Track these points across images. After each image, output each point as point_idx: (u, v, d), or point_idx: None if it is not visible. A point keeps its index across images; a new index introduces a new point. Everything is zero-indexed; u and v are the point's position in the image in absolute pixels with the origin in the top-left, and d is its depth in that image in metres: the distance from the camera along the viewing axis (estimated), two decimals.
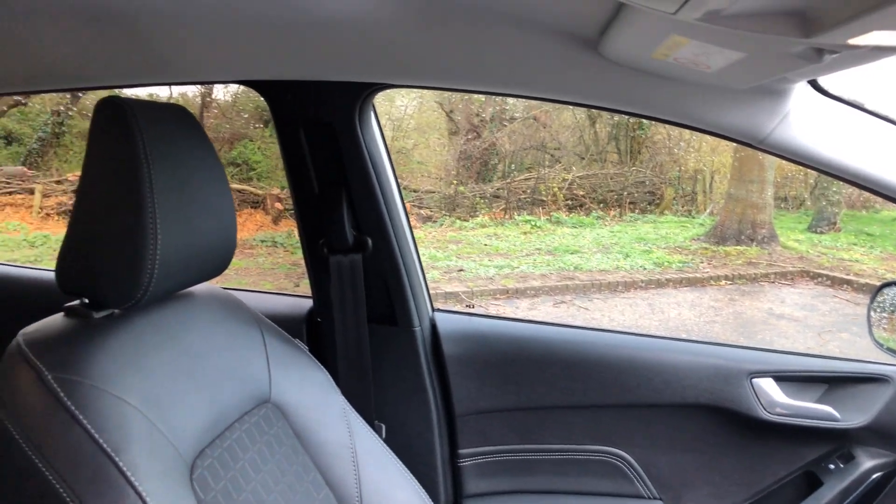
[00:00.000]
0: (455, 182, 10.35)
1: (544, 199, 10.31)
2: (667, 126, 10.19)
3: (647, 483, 1.40)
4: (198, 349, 0.97)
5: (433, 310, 1.46)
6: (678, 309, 6.33)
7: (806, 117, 1.12)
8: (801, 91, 1.10)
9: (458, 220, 9.65)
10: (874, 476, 1.27)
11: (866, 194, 8.57)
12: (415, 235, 1.40)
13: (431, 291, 1.46)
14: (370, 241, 1.35)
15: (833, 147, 1.13)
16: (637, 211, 10.51)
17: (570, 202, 10.40)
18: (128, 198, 0.82)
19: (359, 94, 1.25)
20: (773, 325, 5.81)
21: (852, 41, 0.59)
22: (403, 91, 9.62)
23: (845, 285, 7.00)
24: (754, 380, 1.33)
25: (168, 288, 0.92)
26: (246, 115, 9.75)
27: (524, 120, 11.09)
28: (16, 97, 8.60)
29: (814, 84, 1.10)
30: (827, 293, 6.89)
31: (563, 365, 1.40)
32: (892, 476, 1.28)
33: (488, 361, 1.42)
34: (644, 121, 10.27)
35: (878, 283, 1.51)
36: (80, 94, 9.01)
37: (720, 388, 1.34)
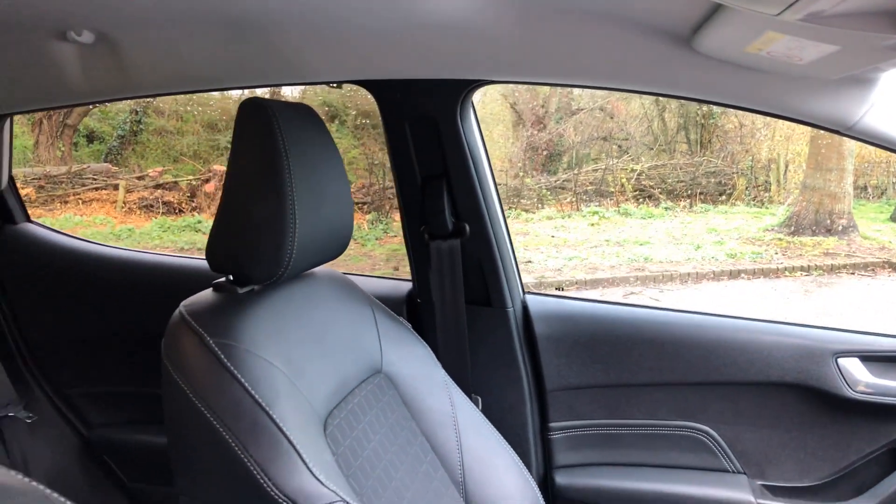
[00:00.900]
0: (521, 174, 10.39)
1: (612, 190, 10.25)
2: (738, 114, 10.00)
3: (731, 458, 1.46)
4: (323, 323, 1.09)
5: (524, 292, 1.56)
6: (754, 300, 6.24)
7: (895, 105, 1.16)
8: (890, 79, 1.14)
9: (523, 213, 9.70)
10: None
11: None
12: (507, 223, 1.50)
13: None
14: (468, 228, 1.45)
15: None
16: (708, 202, 10.32)
17: (638, 193, 10.30)
18: (271, 187, 0.94)
19: (461, 90, 1.35)
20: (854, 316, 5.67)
21: None
22: None
23: None
24: (839, 359, 1.37)
25: (302, 267, 1.04)
26: None
27: (591, 111, 11.02)
28: None
29: None
30: None
31: (650, 344, 1.47)
32: None
33: (577, 340, 1.50)
34: (715, 109, 10.08)
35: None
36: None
37: (805, 367, 1.38)
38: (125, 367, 1.77)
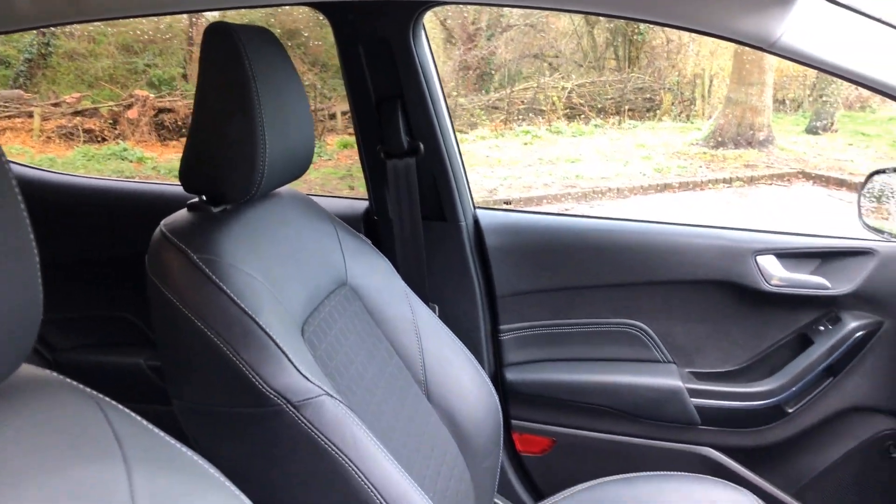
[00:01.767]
0: (454, 93, 10.34)
1: (543, 108, 10.33)
2: (665, 30, 10.13)
3: (662, 349, 1.62)
4: (292, 239, 1.16)
5: (475, 207, 1.65)
6: (679, 212, 6.54)
7: (813, 23, 1.27)
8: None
9: (458, 133, 9.73)
10: (857, 335, 1.49)
11: (865, 94, 8.64)
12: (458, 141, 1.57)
13: None
14: (422, 147, 1.52)
15: (839, 51, 1.28)
16: (636, 118, 10.54)
17: (569, 111, 10.42)
18: (241, 110, 0.99)
19: (413, 12, 1.39)
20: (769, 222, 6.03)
21: None
22: None
23: (840, 186, 7.17)
24: (758, 257, 1.53)
25: (273, 185, 1.10)
26: None
27: (521, 28, 10.95)
28: None
29: None
30: (821, 193, 7.09)
31: (590, 250, 1.60)
32: (873, 335, 1.50)
33: (524, 250, 1.62)
34: (642, 25, 10.18)
35: (868, 172, 1.70)
36: None
37: (728, 265, 1.54)
38: (92, 292, 1.80)
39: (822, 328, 1.54)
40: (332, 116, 9.01)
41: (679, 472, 1.37)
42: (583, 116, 10.35)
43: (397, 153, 1.52)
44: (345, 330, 1.20)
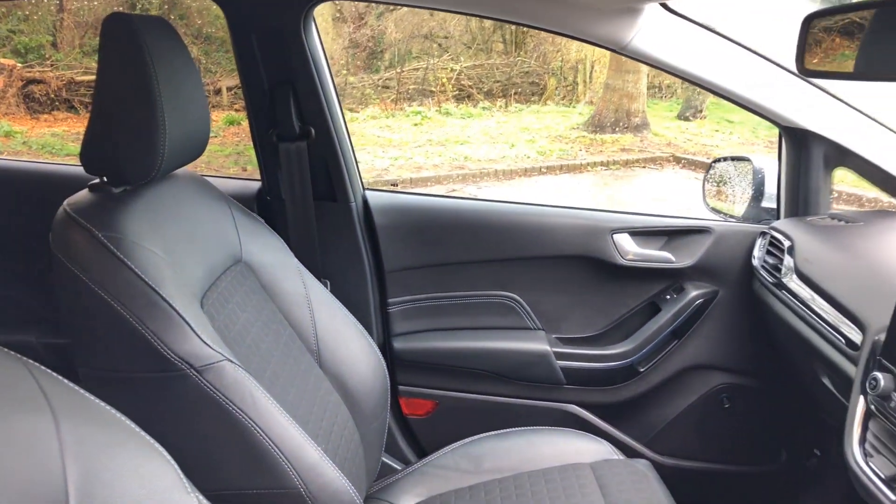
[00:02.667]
0: (344, 72, 10.29)
1: (433, 89, 10.47)
2: None
3: (533, 317, 1.80)
4: (190, 219, 1.23)
5: (364, 188, 1.76)
6: (558, 193, 6.88)
7: (658, 30, 1.46)
8: (653, 10, 1.44)
9: (348, 112, 9.71)
10: (697, 302, 1.73)
11: None
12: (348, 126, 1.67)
13: None
14: (313, 131, 1.61)
15: (679, 55, 1.49)
16: (522, 101, 10.87)
17: (458, 92, 10.62)
18: (140, 95, 1.05)
19: (304, 5, 1.48)
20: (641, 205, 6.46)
21: None
22: None
23: (706, 169, 7.73)
24: (614, 235, 1.73)
25: (172, 166, 1.17)
26: None
27: (411, 7, 11.00)
28: None
29: (664, 5, 1.44)
30: (689, 176, 7.64)
31: (469, 229, 1.75)
32: (710, 302, 1.74)
33: (410, 228, 1.74)
34: None
35: (711, 160, 1.94)
36: None
37: (589, 241, 1.73)
38: None
39: (668, 297, 1.77)
40: (218, 92, 8.78)
41: (547, 427, 1.55)
42: (471, 98, 10.57)
43: (289, 137, 1.60)
44: (241, 303, 1.28)
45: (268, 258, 1.38)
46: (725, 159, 1.91)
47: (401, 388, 1.80)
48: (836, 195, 1.87)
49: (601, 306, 1.80)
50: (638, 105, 9.11)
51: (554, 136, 8.95)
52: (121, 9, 9.02)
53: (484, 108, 10.30)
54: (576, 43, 11.34)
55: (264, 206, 1.71)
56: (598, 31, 1.42)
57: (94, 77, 1.10)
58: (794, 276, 1.45)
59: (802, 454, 1.76)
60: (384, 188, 1.74)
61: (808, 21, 0.94)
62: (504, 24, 11.38)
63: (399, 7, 10.57)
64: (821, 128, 1.54)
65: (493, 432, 1.52)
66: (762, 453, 1.82)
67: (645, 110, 9.33)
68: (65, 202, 1.07)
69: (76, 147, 1.38)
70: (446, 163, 7.70)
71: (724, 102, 1.59)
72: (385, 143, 8.39)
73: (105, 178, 1.12)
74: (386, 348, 1.78)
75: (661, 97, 11.50)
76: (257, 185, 1.73)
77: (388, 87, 10.41)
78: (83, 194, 1.10)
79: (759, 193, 1.75)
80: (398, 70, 10.50)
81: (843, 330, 1.24)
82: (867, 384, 1.06)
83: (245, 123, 8.26)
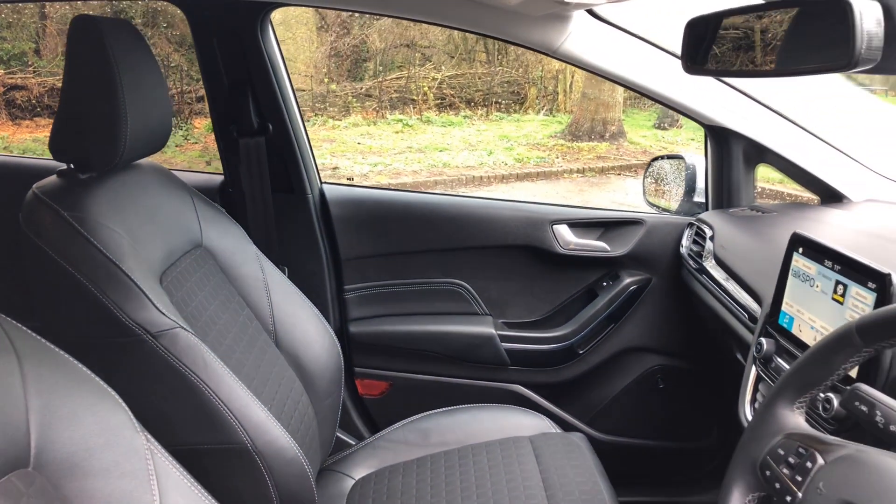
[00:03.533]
0: (326, 80, 10.41)
1: (415, 98, 10.62)
2: None
3: (481, 304, 1.93)
4: (152, 205, 1.34)
5: (321, 182, 1.88)
6: (534, 199, 7.01)
7: (586, 35, 1.59)
8: (582, 16, 1.57)
9: (330, 120, 9.82)
10: (631, 288, 1.86)
11: None
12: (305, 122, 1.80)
13: None
14: (271, 126, 1.73)
15: (607, 58, 1.62)
16: (503, 110, 11.03)
17: (439, 101, 10.76)
18: (105, 90, 1.16)
19: (261, 10, 1.60)
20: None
21: None
22: None
23: None
24: (555, 226, 1.86)
25: (134, 156, 1.28)
26: None
27: (405, 20, 11.12)
28: None
29: (590, 12, 1.57)
30: None
31: (421, 220, 1.87)
32: (644, 289, 1.87)
33: (365, 220, 1.86)
34: None
35: (649, 159, 2.08)
36: None
37: (531, 232, 1.86)
38: None
39: (604, 284, 1.90)
40: (201, 99, 8.86)
41: (492, 404, 1.67)
42: (453, 107, 10.72)
43: (248, 132, 1.72)
44: (199, 283, 1.39)
45: (227, 244, 1.49)
46: (662, 158, 2.04)
47: (356, 369, 1.91)
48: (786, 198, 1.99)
49: (543, 293, 1.93)
50: (614, 114, 9.30)
51: (532, 143, 9.12)
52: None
53: (465, 117, 10.45)
54: None
55: (227, 199, 1.82)
56: (530, 36, 1.55)
57: None
58: (712, 261, 1.59)
59: (732, 430, 1.88)
60: (340, 182, 1.86)
61: (691, 25, 1.08)
62: None
63: (380, 17, 10.73)
64: (740, 126, 1.67)
65: (441, 409, 1.64)
66: (695, 430, 1.95)
67: (621, 119, 9.52)
68: (34, 186, 1.18)
69: None
70: (425, 169, 7.83)
71: None
72: (365, 150, 8.51)
73: (72, 165, 1.23)
74: (342, 332, 1.89)
75: (641, 107, 11.71)
76: (220, 178, 1.85)
77: (370, 96, 10.54)
78: (51, 179, 1.21)
79: (690, 189, 1.88)
80: (380, 79, 10.63)
81: (746, 305, 1.38)
82: (754, 349, 1.20)
83: None
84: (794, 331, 1.13)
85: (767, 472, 0.81)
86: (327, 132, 9.29)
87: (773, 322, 1.19)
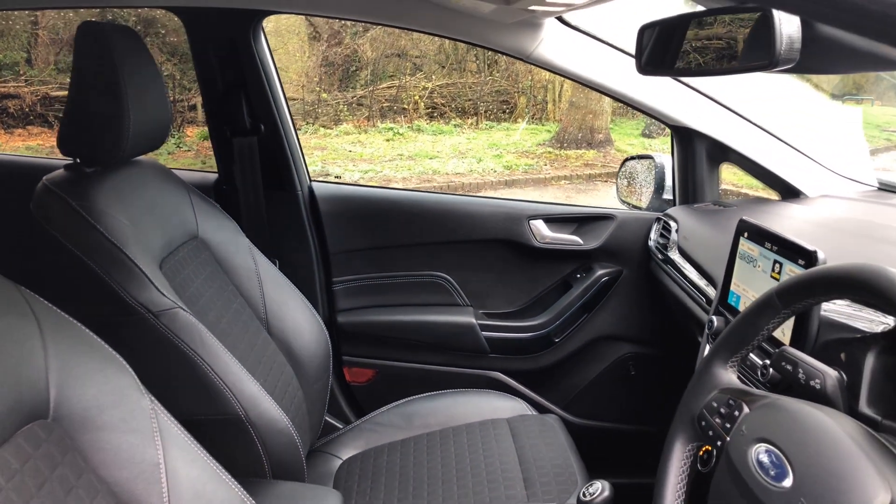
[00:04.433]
0: (318, 89, 10.52)
1: (406, 107, 10.73)
2: None
3: (462, 295, 2.03)
4: (152, 198, 1.44)
5: (310, 179, 1.99)
6: None
7: (558, 41, 1.71)
8: (552, 24, 1.69)
9: (321, 128, 9.92)
10: (603, 280, 1.97)
11: None
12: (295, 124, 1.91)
13: None
14: (263, 127, 1.84)
15: (578, 63, 1.74)
16: (493, 119, 11.15)
17: (430, 110, 10.87)
18: (110, 91, 1.27)
19: (253, 18, 1.72)
20: None
21: (530, 7, 1.16)
22: None
23: None
24: (531, 221, 1.97)
25: (136, 152, 1.38)
26: None
27: (386, 27, 11.24)
28: None
29: (560, 19, 1.69)
30: None
31: (406, 216, 1.98)
32: (615, 280, 1.98)
33: (353, 215, 1.97)
34: None
35: (622, 159, 2.19)
36: None
37: (509, 227, 1.97)
38: None
39: (578, 276, 2.01)
40: (193, 108, 8.95)
41: (472, 389, 1.78)
42: (443, 116, 10.83)
43: (242, 132, 1.83)
44: (196, 271, 1.49)
45: (221, 236, 1.59)
46: (634, 158, 2.16)
47: (344, 358, 2.01)
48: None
49: (520, 284, 2.04)
50: (601, 122, 9.43)
51: (521, 151, 9.24)
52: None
53: (455, 126, 10.56)
54: None
55: (221, 195, 1.92)
56: (505, 42, 1.67)
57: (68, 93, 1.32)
58: (676, 251, 1.70)
59: None
60: (328, 180, 1.97)
61: (643, 30, 1.20)
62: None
63: (373, 26, 10.85)
64: (703, 127, 1.78)
65: (424, 394, 1.74)
66: (664, 414, 2.05)
67: (608, 127, 9.65)
68: (44, 178, 1.29)
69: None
70: (415, 176, 7.94)
71: None
72: (356, 158, 8.62)
73: (78, 160, 1.33)
74: (331, 322, 1.99)
75: (630, 116, 11.84)
76: (215, 176, 1.95)
77: (361, 105, 10.64)
78: (60, 172, 1.31)
79: (660, 186, 2.00)
80: (371, 88, 10.75)
81: (704, 290, 1.49)
82: (707, 327, 1.31)
83: None
84: (741, 308, 1.24)
85: (703, 423, 0.92)
86: (318, 140, 9.39)
87: (724, 301, 1.30)
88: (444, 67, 11.79)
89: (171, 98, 8.68)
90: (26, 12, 8.85)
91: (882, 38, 0.52)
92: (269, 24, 1.82)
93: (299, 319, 1.64)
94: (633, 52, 1.34)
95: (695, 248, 1.62)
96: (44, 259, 1.26)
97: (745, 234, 1.25)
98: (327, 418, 1.88)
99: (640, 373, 2.03)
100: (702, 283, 1.52)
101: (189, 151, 8.10)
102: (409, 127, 10.28)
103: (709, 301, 1.45)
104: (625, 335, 2.02)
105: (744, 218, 1.26)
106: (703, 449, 1.04)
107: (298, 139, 1.93)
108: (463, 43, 1.71)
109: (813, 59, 0.96)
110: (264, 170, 1.87)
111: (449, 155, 8.94)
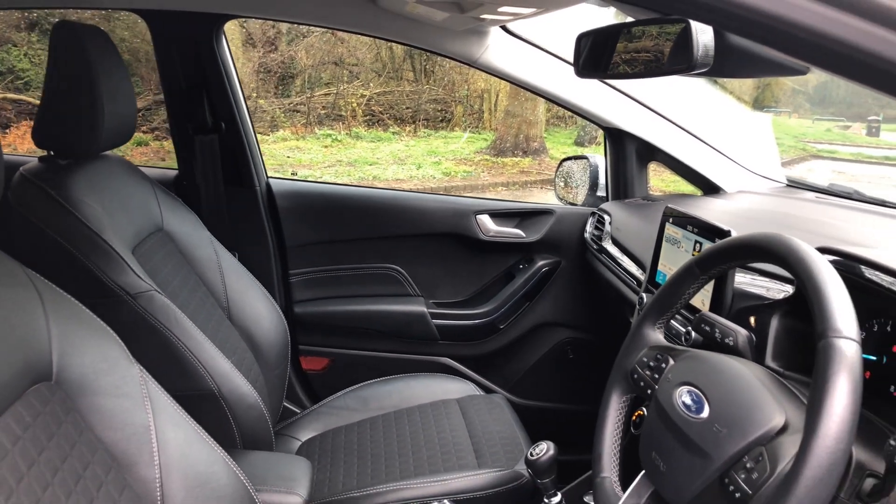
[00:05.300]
0: (254, 95, 10.45)
1: (344, 114, 10.76)
2: None
3: (413, 286, 2.15)
4: (121, 189, 1.51)
5: (268, 176, 2.08)
6: None
7: (501, 48, 1.85)
8: (497, 32, 1.83)
9: (258, 134, 9.83)
10: (543, 270, 2.12)
11: None
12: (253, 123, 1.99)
13: None
14: (223, 125, 1.92)
15: (519, 69, 1.88)
16: (430, 127, 11.29)
17: (368, 118, 10.93)
18: (85, 85, 1.34)
19: (216, 21, 1.80)
20: None
21: (482, 15, 1.30)
22: None
23: None
24: (477, 215, 2.11)
25: (108, 145, 1.45)
26: None
27: (322, 35, 11.28)
28: None
29: (505, 28, 1.84)
30: None
31: (359, 211, 2.09)
32: (555, 270, 2.14)
33: (308, 210, 2.07)
34: None
35: (560, 159, 2.36)
36: None
37: (457, 221, 2.10)
38: None
39: (521, 266, 2.16)
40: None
41: (424, 373, 1.89)
42: (381, 123, 10.91)
43: (203, 130, 1.90)
44: (163, 261, 1.56)
45: (185, 229, 1.66)
46: (570, 159, 2.33)
47: (301, 347, 2.10)
48: None
49: (467, 275, 2.18)
50: (536, 131, 9.69)
51: (459, 158, 9.41)
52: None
53: (394, 133, 10.64)
54: (482, 73, 11.88)
55: (182, 191, 1.99)
56: (453, 48, 1.80)
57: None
58: (609, 241, 1.86)
59: None
60: (285, 177, 2.07)
61: (580, 38, 1.35)
62: (414, 54, 11.86)
63: (309, 34, 10.85)
64: (633, 128, 1.95)
65: (378, 379, 1.85)
66: (599, 395, 2.21)
67: (543, 136, 9.92)
68: (21, 169, 1.34)
69: None
70: (356, 182, 8.01)
71: None
72: (296, 163, 8.62)
73: (52, 153, 1.39)
74: (288, 312, 2.08)
75: (565, 125, 12.15)
76: (174, 173, 2.02)
77: (299, 111, 10.62)
78: (35, 163, 1.37)
79: (593, 184, 2.16)
80: (308, 95, 10.74)
81: (634, 274, 1.65)
82: (637, 304, 1.46)
83: (152, 145, 8.34)
84: None
85: (635, 376, 1.07)
86: None
87: (652, 280, 1.46)
88: (380, 76, 11.87)
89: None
90: None
91: (769, 44, 0.67)
92: None
93: (259, 308, 1.72)
94: (570, 59, 1.50)
95: (626, 238, 1.79)
96: (21, 247, 1.32)
97: (671, 220, 1.41)
98: (286, 404, 1.97)
99: (577, 356, 2.19)
100: (633, 268, 1.68)
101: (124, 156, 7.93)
102: (347, 134, 10.31)
103: (639, 283, 1.61)
104: (563, 321, 2.18)
105: (669, 205, 1.43)
106: (636, 414, 1.20)
107: (257, 138, 2.02)
108: (417, 49, 1.83)
109: (726, 64, 1.12)
110: (224, 166, 1.95)
111: (388, 161, 9.04)
